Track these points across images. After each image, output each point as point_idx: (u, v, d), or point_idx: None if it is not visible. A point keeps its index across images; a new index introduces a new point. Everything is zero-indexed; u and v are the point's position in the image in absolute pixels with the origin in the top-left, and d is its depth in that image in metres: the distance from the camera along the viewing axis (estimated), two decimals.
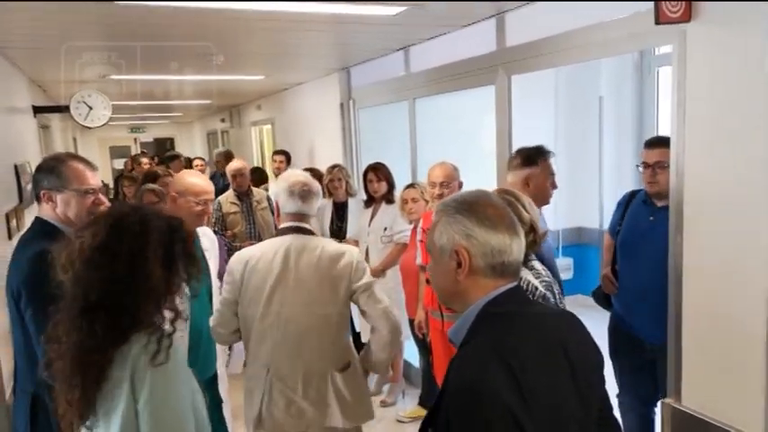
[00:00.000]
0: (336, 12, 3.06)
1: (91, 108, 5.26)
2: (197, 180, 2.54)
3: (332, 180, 4.63)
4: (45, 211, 2.00)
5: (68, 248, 1.39)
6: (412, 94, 4.37)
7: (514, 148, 3.34)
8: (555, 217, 5.83)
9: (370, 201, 4.28)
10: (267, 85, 6.78)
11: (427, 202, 3.67)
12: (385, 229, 4.14)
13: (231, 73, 5.41)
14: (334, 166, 4.74)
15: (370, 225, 4.21)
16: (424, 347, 3.71)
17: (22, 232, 3.42)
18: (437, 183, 3.28)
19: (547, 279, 1.91)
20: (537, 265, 1.96)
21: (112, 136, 15.23)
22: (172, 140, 15.80)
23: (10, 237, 3.16)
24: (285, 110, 7.41)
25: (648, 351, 2.63)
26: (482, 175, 3.58)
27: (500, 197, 1.82)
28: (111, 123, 14.73)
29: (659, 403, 2.28)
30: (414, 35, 3.94)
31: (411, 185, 3.84)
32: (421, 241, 3.39)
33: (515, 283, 1.27)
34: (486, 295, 1.25)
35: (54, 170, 1.96)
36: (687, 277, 2.17)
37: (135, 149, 15.34)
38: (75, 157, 2.05)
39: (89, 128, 5.55)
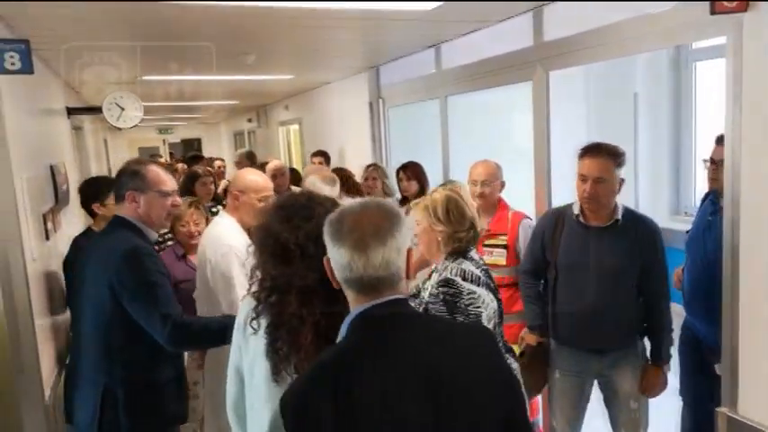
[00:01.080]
0: (371, 8, 3.01)
1: (123, 109, 5.31)
2: (257, 177, 2.65)
3: (367, 179, 4.60)
4: (126, 210, 2.18)
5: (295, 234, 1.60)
6: (444, 91, 4.30)
7: (553, 146, 3.26)
8: None
9: (404, 200, 4.23)
10: (295, 84, 6.78)
11: None
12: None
13: (260, 73, 5.41)
14: (369, 166, 4.70)
15: None
16: None
17: (58, 233, 3.47)
18: (478, 181, 3.21)
19: (484, 267, 2.19)
20: (474, 255, 2.18)
21: (142, 137, 15.43)
22: (199, 141, 15.95)
23: (47, 237, 3.18)
24: (313, 109, 7.40)
25: (706, 352, 2.56)
26: (517, 174, 3.50)
27: (445, 194, 2.21)
28: (140, 125, 14.98)
29: (715, 411, 2.19)
30: (447, 31, 3.88)
31: (441, 185, 3.77)
32: None
33: (389, 298, 1.25)
34: (354, 308, 1.27)
35: (138, 173, 2.16)
36: (744, 279, 2.07)
37: (163, 150, 15.53)
38: (155, 162, 2.30)
39: (120, 129, 5.58)
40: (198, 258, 2.70)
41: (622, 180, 2.53)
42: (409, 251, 1.28)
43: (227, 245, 2.46)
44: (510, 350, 2.37)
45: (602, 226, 2.55)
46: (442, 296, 2.03)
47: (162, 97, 7.75)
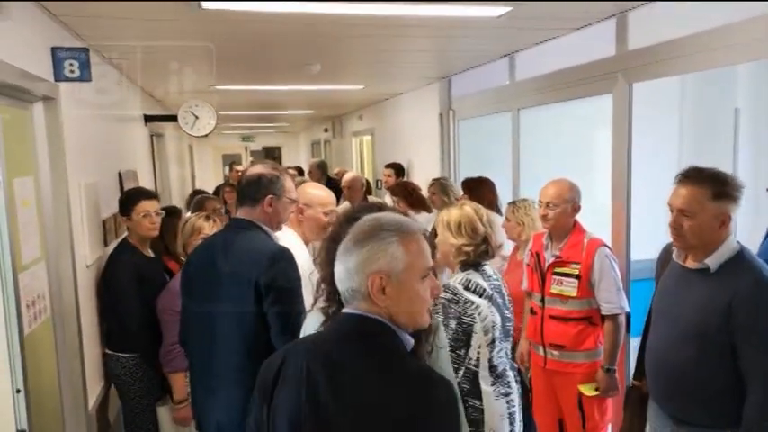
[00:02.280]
0: (435, 14, 2.83)
1: (197, 117, 5.42)
2: (322, 192, 2.67)
3: (433, 194, 4.41)
4: (256, 214, 2.15)
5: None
6: (516, 104, 4.04)
7: (634, 164, 2.94)
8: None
9: None
10: (368, 95, 6.71)
11: (519, 224, 3.33)
12: None
13: (331, 83, 5.36)
14: (436, 180, 4.52)
15: None
16: (522, 382, 3.37)
17: (119, 239, 3.51)
18: (543, 202, 2.93)
19: (496, 282, 2.24)
20: (488, 269, 2.25)
21: (225, 144, 16.04)
22: (279, 149, 16.35)
23: (106, 243, 3.22)
24: (385, 120, 7.30)
25: None
26: (596, 197, 3.19)
27: (461, 211, 2.28)
28: (224, 132, 15.59)
29: None
30: (520, 40, 3.63)
31: (511, 203, 3.52)
32: (528, 265, 3.05)
33: (344, 310, 1.27)
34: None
35: (279, 180, 2.15)
36: None
37: (245, 158, 16.06)
38: (288, 172, 2.27)
39: (194, 136, 5.71)
40: None
41: (727, 216, 2.01)
42: (381, 278, 1.21)
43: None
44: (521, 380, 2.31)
45: (693, 269, 2.10)
46: (441, 299, 2.09)
47: (244, 106, 7.95)
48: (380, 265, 1.20)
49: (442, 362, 1.61)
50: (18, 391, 2.10)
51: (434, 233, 2.34)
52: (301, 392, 1.18)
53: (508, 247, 3.80)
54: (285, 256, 2.06)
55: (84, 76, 2.50)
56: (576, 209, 2.89)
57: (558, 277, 2.87)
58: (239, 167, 7.40)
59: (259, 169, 2.21)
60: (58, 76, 2.47)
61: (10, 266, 2.07)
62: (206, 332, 2.12)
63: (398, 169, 5.90)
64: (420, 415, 1.14)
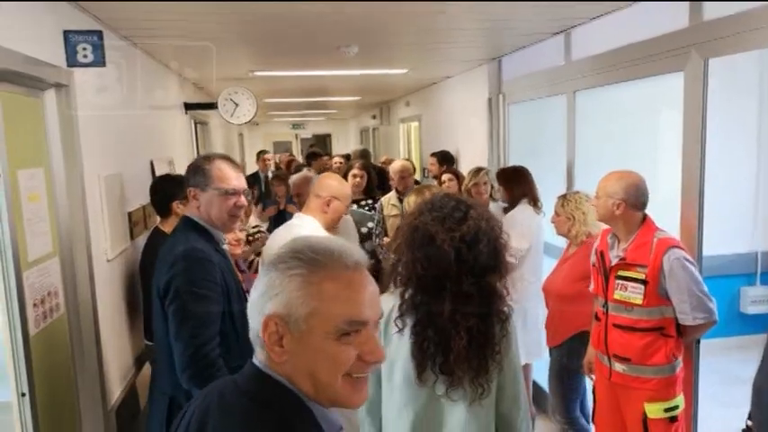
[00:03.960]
0: None
1: (237, 105, 5.29)
2: (346, 186, 2.77)
3: (476, 184, 4.11)
4: (190, 209, 2.03)
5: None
6: (572, 86, 3.67)
7: (708, 150, 2.56)
8: (752, 237, 4.73)
9: (509, 207, 3.76)
10: (414, 79, 6.42)
11: (569, 218, 3.02)
12: None
13: (371, 67, 5.10)
14: (478, 170, 4.21)
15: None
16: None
17: (148, 231, 3.41)
18: (594, 195, 2.64)
19: None
20: None
21: (276, 132, 16.10)
22: (329, 137, 16.28)
23: (132, 236, 3.11)
24: (432, 106, 6.99)
25: None
26: (656, 183, 2.82)
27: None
28: (274, 120, 15.63)
29: None
30: (577, 13, 3.26)
31: (562, 195, 3.20)
32: (593, 266, 2.73)
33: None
34: None
35: (199, 169, 1.98)
36: None
37: (296, 145, 16.08)
38: (224, 157, 2.05)
39: (234, 124, 5.60)
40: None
41: None
42: (276, 323, 0.89)
43: None
44: None
45: None
46: None
47: (292, 93, 7.81)
48: (276, 305, 0.89)
49: (512, 349, 1.67)
50: (23, 394, 1.99)
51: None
52: None
53: (558, 243, 3.49)
54: (186, 257, 1.90)
55: (98, 61, 2.35)
56: (619, 205, 2.53)
57: (621, 281, 2.54)
58: (268, 156, 7.27)
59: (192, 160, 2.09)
60: (71, 61, 2.32)
61: (12, 265, 1.94)
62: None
63: (444, 157, 5.61)
64: None
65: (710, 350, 3.30)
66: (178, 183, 2.96)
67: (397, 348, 1.64)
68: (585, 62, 3.51)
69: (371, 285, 0.94)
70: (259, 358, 0.92)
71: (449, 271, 1.57)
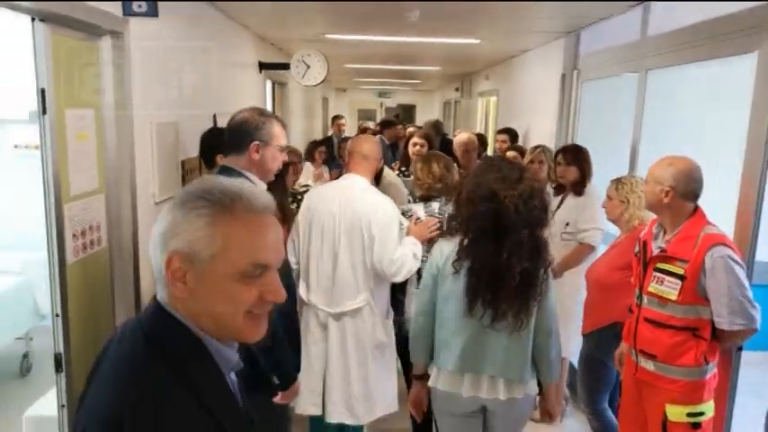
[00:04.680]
0: None
1: (308, 67, 5.38)
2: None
3: (532, 162, 3.96)
4: (243, 162, 2.03)
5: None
6: (645, 64, 3.42)
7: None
8: None
9: (560, 188, 3.54)
10: (492, 52, 6.22)
11: (623, 202, 2.85)
12: (567, 224, 3.39)
13: (439, 35, 4.98)
14: (536, 147, 4.05)
15: (553, 216, 3.48)
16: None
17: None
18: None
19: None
20: (433, 204, 2.78)
21: (362, 99, 16.25)
22: (414, 107, 16.20)
23: (184, 183, 3.28)
24: (509, 80, 6.76)
25: None
26: (717, 176, 2.59)
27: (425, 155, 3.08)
28: (361, 87, 15.70)
29: None
30: None
31: (616, 179, 3.02)
32: (636, 254, 2.58)
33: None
34: None
35: (263, 125, 2.04)
36: None
37: (380, 114, 16.15)
38: (277, 117, 2.16)
39: (305, 86, 5.70)
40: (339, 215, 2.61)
41: None
42: (177, 258, 0.89)
43: (391, 204, 2.64)
44: None
45: None
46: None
47: (374, 59, 7.81)
48: (180, 242, 0.88)
49: (551, 291, 2.03)
50: (57, 315, 2.18)
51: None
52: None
53: (612, 231, 3.30)
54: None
55: (151, 11, 2.46)
56: (668, 193, 2.33)
57: (659, 274, 2.37)
58: (342, 121, 7.33)
59: (244, 114, 2.07)
60: (127, 10, 2.45)
61: (53, 197, 2.11)
62: None
63: (513, 134, 5.43)
64: None
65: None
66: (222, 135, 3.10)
67: (452, 286, 1.99)
68: (660, 38, 3.25)
69: (277, 229, 0.94)
70: (161, 295, 0.94)
71: (507, 222, 1.87)
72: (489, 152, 6.03)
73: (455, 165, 3.19)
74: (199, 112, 3.67)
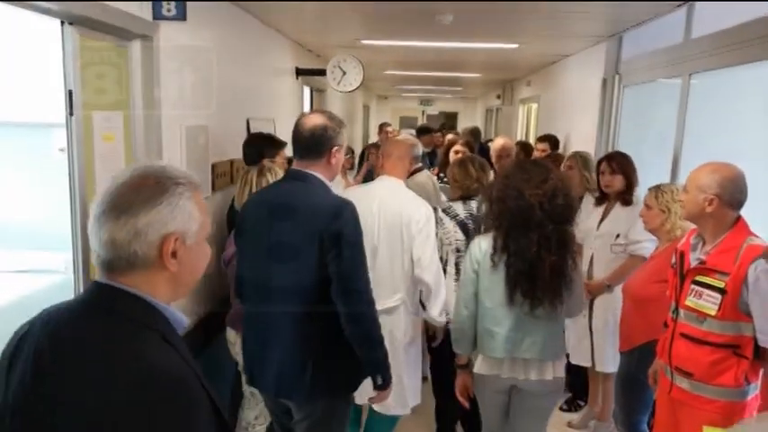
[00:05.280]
0: None
1: (344, 73, 5.39)
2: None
3: (569, 168, 3.83)
4: (319, 166, 2.03)
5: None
6: (688, 67, 3.26)
7: None
8: None
9: (602, 198, 3.39)
10: (532, 57, 6.10)
11: (663, 211, 2.71)
12: (617, 236, 3.23)
13: (479, 40, 4.91)
14: (574, 154, 3.92)
15: (598, 228, 3.33)
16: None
17: (231, 187, 3.59)
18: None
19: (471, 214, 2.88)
20: (472, 203, 2.91)
21: (403, 107, 16.24)
22: (456, 115, 16.09)
23: (214, 187, 3.31)
24: (550, 87, 6.62)
25: None
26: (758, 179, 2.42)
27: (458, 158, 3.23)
28: (402, 95, 15.69)
29: None
30: None
31: (655, 187, 2.88)
32: (672, 266, 2.44)
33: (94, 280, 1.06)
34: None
35: (341, 132, 2.08)
36: None
37: (421, 121, 16.10)
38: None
39: (341, 92, 5.70)
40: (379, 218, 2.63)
41: None
42: (173, 239, 1.01)
43: (427, 206, 2.68)
44: None
45: None
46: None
47: (415, 66, 7.79)
48: (177, 224, 1.02)
49: (578, 277, 2.24)
50: None
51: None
52: (27, 365, 0.97)
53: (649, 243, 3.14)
54: (350, 209, 1.98)
55: (179, 15, 2.50)
56: (719, 202, 2.19)
57: (697, 288, 2.22)
58: (390, 128, 7.33)
59: (322, 120, 2.05)
60: (157, 14, 2.50)
61: (78, 196, 2.15)
62: (263, 285, 2.04)
63: (553, 142, 5.29)
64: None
65: None
66: (269, 141, 3.11)
67: (492, 279, 2.18)
68: (704, 41, 3.10)
69: None
70: (106, 278, 1.01)
71: (534, 218, 2.07)
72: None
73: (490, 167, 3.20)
74: (230, 117, 3.72)
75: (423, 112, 16.25)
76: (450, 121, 15.43)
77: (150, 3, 2.48)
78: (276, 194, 2.10)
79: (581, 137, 5.00)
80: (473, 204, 2.92)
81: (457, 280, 2.73)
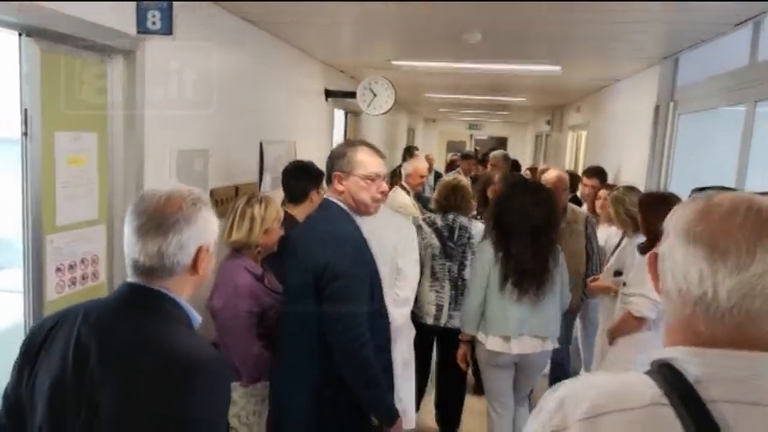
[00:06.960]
0: None
1: (375, 95, 5.12)
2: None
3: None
4: (333, 192, 2.03)
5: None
6: (753, 94, 2.80)
7: None
8: None
9: (652, 243, 2.92)
10: (582, 81, 5.67)
11: None
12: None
13: (515, 62, 4.54)
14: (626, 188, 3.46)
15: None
16: None
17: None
18: None
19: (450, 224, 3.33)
20: (450, 216, 3.35)
21: (451, 130, 15.88)
22: (505, 140, 15.60)
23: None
24: (599, 113, 6.15)
25: None
26: None
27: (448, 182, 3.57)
28: (451, 118, 15.34)
29: None
30: None
31: None
32: None
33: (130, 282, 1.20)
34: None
35: (344, 155, 2.00)
36: None
37: (469, 145, 15.69)
38: (366, 144, 2.07)
39: (370, 114, 5.43)
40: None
41: None
42: (206, 248, 1.21)
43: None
44: None
45: None
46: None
47: (463, 89, 7.47)
48: (210, 235, 1.21)
49: (561, 273, 2.77)
50: None
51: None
52: (68, 356, 1.11)
53: None
54: (348, 241, 1.91)
55: (165, 29, 2.28)
56: None
57: None
58: (417, 153, 7.03)
59: (334, 146, 2.06)
60: (141, 27, 2.28)
61: (31, 226, 1.93)
62: (283, 324, 2.05)
63: (602, 176, 4.70)
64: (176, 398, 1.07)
65: None
66: (316, 172, 2.85)
67: (492, 274, 2.70)
68: None
69: None
70: (143, 280, 1.17)
71: (528, 226, 2.63)
72: (578, 195, 5.28)
73: None
74: (242, 139, 3.49)
75: (471, 136, 15.85)
76: (500, 145, 14.97)
77: (134, 16, 2.27)
78: (301, 227, 2.18)
79: (632, 167, 4.53)
80: (450, 216, 3.29)
81: (432, 282, 3.25)
